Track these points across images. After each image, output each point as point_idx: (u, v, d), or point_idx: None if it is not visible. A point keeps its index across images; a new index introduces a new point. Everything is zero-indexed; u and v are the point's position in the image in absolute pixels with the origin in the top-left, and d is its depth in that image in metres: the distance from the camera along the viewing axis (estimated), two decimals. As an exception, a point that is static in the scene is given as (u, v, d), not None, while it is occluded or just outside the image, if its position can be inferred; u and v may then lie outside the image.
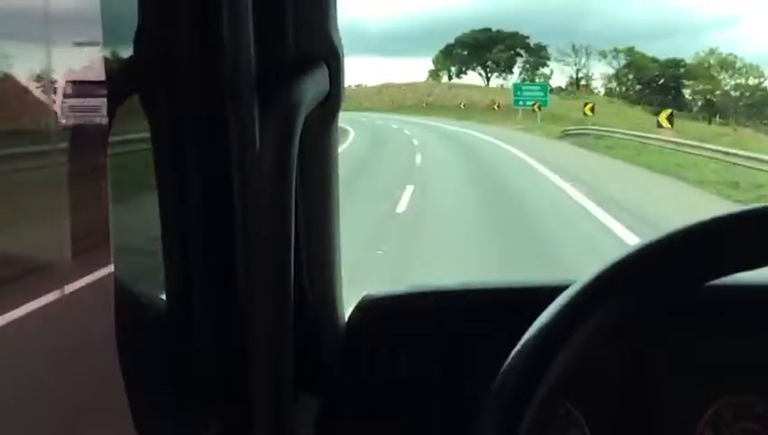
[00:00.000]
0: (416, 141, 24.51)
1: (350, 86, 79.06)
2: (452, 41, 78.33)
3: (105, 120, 0.72)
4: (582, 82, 66.22)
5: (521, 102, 40.37)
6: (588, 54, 68.22)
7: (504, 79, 76.04)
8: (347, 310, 0.95)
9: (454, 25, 79.63)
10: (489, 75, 77.03)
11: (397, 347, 0.93)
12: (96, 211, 0.76)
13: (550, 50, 74.47)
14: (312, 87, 0.73)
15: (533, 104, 38.94)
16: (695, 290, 0.55)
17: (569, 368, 0.53)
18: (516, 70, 76.52)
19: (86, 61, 0.77)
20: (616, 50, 65.32)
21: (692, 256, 0.54)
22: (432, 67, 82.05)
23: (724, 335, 0.92)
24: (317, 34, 0.77)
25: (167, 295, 0.78)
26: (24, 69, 0.70)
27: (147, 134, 0.75)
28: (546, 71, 74.77)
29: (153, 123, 0.74)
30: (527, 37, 74.10)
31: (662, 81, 64.46)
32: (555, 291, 0.56)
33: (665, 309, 0.58)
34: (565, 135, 26.33)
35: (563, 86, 66.99)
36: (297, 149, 0.66)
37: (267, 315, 0.66)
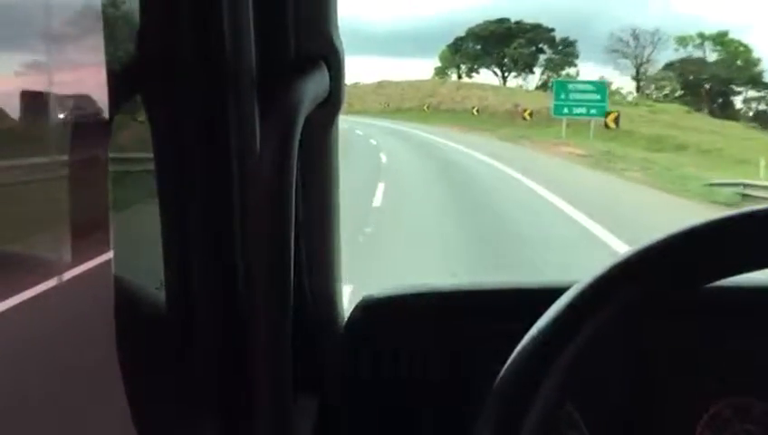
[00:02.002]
0: (377, 201, 11.05)
1: (345, 84, 67.21)
2: (462, 33, 66.31)
3: (106, 120, 0.73)
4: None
5: (565, 110, 26.73)
6: (655, 43, 55.03)
7: (524, 80, 63.94)
8: (347, 310, 0.95)
9: (466, 22, 67.50)
10: (506, 74, 64.93)
11: (397, 348, 0.94)
12: (96, 210, 0.77)
13: (581, 45, 62.46)
14: (313, 87, 0.72)
15: (593, 113, 25.80)
16: (696, 291, 0.55)
17: (569, 369, 0.53)
18: (537, 69, 64.51)
19: (86, 60, 0.77)
20: (702, 36, 52.36)
21: (693, 258, 0.54)
22: (439, 64, 70.04)
23: (724, 336, 0.92)
24: (317, 34, 0.77)
25: (167, 295, 0.78)
26: (24, 69, 0.71)
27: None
28: (572, 70, 62.58)
29: (153, 123, 0.74)
30: (552, 30, 61.92)
31: (709, 85, 52.87)
32: (556, 292, 0.56)
33: (665, 310, 0.58)
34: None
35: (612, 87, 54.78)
36: (297, 149, 0.66)
37: (267, 315, 0.65)
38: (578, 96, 26.54)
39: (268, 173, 0.63)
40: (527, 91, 54.35)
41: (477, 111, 39.92)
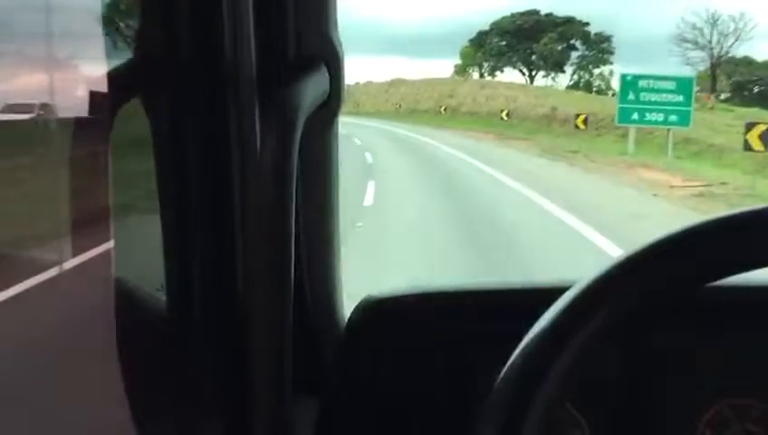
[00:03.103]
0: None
1: (357, 83, 60.34)
2: (487, 27, 59.62)
3: (106, 120, 0.73)
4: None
5: (634, 116, 18.82)
6: (738, 32, 44.82)
7: (553, 80, 57.11)
8: (347, 310, 0.95)
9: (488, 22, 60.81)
10: (534, 73, 58.17)
11: (397, 348, 0.94)
12: (96, 209, 0.77)
13: (616, 40, 55.82)
14: (313, 88, 0.73)
15: (673, 120, 17.89)
16: (695, 291, 0.55)
17: (569, 369, 0.53)
18: (568, 68, 57.73)
19: (86, 60, 0.78)
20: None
21: (692, 258, 0.54)
22: (459, 62, 63.35)
23: (724, 337, 0.91)
24: (317, 35, 0.77)
25: (167, 295, 0.78)
26: (24, 68, 0.72)
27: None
28: (605, 69, 55.66)
29: (153, 123, 0.74)
30: (587, 24, 55.11)
31: (758, 87, 46.21)
32: (556, 292, 0.56)
33: (665, 310, 0.59)
34: None
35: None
36: (297, 150, 0.66)
37: (267, 316, 0.66)
38: (652, 96, 18.56)
39: (268, 173, 0.63)
40: (564, 91, 47.51)
41: (507, 114, 31.80)
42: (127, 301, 0.74)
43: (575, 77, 57.62)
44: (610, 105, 23.19)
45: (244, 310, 0.74)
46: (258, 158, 0.67)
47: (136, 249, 0.82)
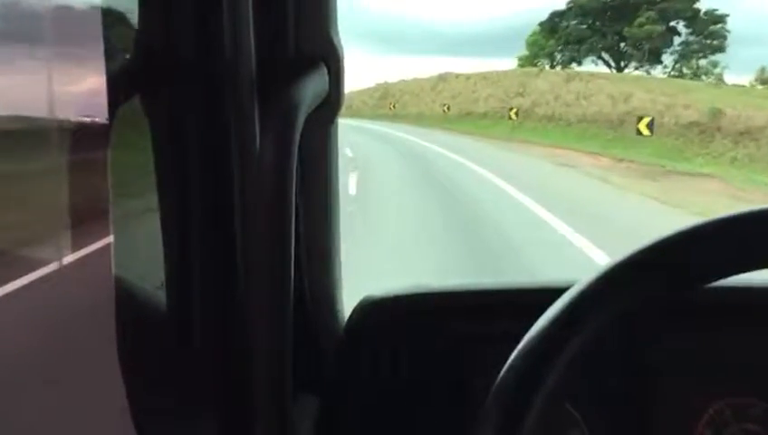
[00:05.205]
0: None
1: (403, 80, 48.07)
2: (562, 7, 46.68)
3: (105, 120, 0.72)
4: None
5: None
6: None
7: (648, 72, 43.77)
8: (347, 310, 0.94)
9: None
10: (623, 65, 44.88)
11: (396, 348, 0.93)
12: (96, 209, 0.76)
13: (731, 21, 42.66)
14: (312, 87, 0.72)
15: None
16: (695, 291, 0.56)
17: (568, 369, 0.53)
18: (667, 57, 44.35)
19: (86, 60, 0.77)
20: None
21: (693, 259, 0.54)
22: (525, 53, 50.45)
23: (723, 336, 0.91)
24: (317, 35, 0.77)
25: (167, 295, 0.77)
26: (23, 68, 0.71)
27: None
28: (720, 59, 42.34)
29: (153, 123, 0.73)
30: (695, 0, 41.78)
31: None
32: (556, 292, 0.56)
33: (665, 310, 0.57)
34: None
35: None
36: (297, 149, 0.66)
37: (267, 315, 0.66)
38: None
39: (268, 173, 0.63)
40: (707, 83, 34.05)
41: (648, 125, 17.78)
42: (126, 300, 0.73)
43: (678, 68, 43.95)
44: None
45: (244, 310, 0.74)
46: (258, 157, 0.66)
47: (135, 249, 0.80)
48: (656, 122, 19.25)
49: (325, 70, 0.75)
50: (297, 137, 0.65)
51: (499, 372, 0.54)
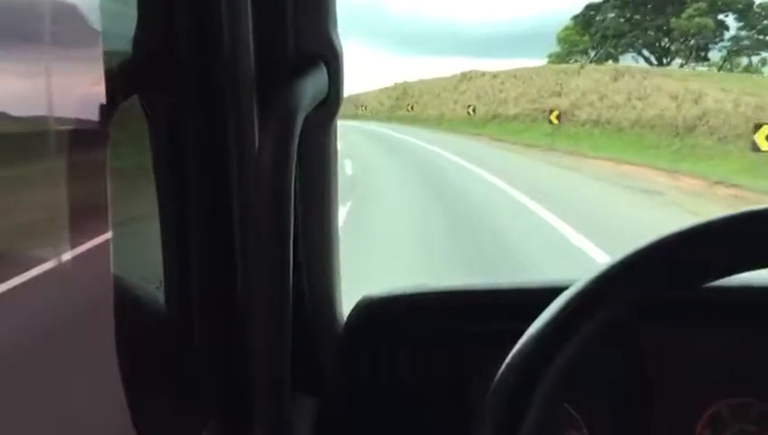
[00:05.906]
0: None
1: (422, 79, 44.30)
2: (597, -1, 42.48)
3: (104, 120, 0.72)
4: None
5: None
6: None
7: (693, 69, 39.32)
8: (346, 310, 0.95)
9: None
10: (665, 61, 40.45)
11: (395, 347, 0.93)
12: (95, 207, 0.76)
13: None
14: (312, 87, 0.72)
15: None
16: (694, 291, 0.56)
17: (568, 369, 0.53)
18: (714, 54, 39.93)
19: (85, 60, 0.77)
20: None
21: (693, 258, 0.54)
22: (556, 49, 46.18)
23: (723, 336, 0.91)
24: (317, 35, 0.77)
25: (166, 295, 0.77)
26: (22, 68, 0.71)
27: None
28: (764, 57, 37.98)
29: (152, 123, 0.73)
30: (748, -10, 37.35)
31: None
32: (555, 292, 0.56)
33: (664, 310, 0.58)
34: None
35: None
36: (296, 148, 0.66)
37: (266, 315, 0.66)
38: None
39: (267, 173, 0.63)
40: None
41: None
42: (125, 299, 0.73)
43: (727, 65, 39.45)
44: None
45: (244, 310, 0.75)
46: (257, 156, 0.66)
47: (134, 249, 0.79)
48: (738, 129, 15.16)
49: (324, 69, 0.75)
50: (296, 136, 0.65)
51: (498, 372, 0.54)
